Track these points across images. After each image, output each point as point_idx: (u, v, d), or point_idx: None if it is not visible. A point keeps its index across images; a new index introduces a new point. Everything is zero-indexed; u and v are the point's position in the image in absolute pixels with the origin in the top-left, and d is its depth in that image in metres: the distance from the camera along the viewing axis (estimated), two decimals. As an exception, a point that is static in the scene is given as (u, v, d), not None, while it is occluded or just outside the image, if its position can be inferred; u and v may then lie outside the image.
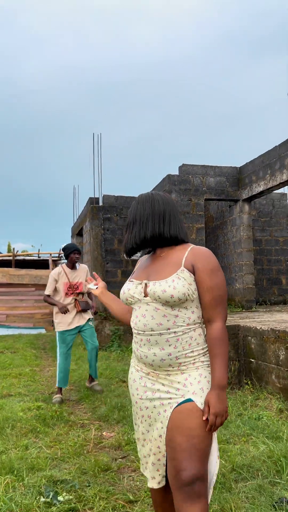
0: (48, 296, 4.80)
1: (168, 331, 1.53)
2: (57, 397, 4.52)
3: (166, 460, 1.54)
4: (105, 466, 2.74)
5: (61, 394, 4.61)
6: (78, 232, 11.38)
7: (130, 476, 2.65)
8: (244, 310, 7.84)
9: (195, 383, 1.53)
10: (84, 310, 4.79)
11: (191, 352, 1.55)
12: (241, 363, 4.89)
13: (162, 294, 1.51)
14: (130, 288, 1.62)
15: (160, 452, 1.58)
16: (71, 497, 2.35)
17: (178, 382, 1.54)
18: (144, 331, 1.57)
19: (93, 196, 9.40)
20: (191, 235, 8.09)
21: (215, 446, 1.53)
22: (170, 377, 1.55)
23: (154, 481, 1.63)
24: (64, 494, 2.38)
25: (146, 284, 1.58)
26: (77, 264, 4.98)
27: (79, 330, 4.79)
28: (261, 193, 7.61)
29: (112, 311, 1.84)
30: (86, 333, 4.83)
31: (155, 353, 1.55)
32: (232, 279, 8.64)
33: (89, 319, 4.88)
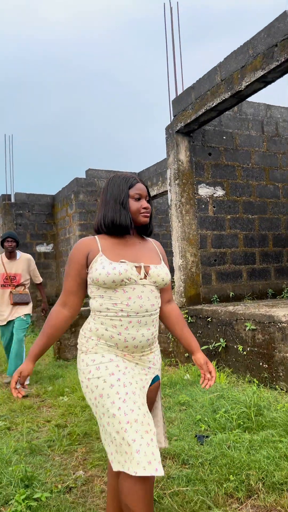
0: None
1: (155, 311, 1.62)
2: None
3: None
4: (29, 406, 3.82)
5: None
6: (-11, 226, 11.82)
7: (47, 410, 3.77)
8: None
9: (158, 361, 1.67)
10: (19, 304, 4.39)
11: (157, 331, 1.67)
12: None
13: (166, 276, 1.63)
14: (127, 269, 1.54)
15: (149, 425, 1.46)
16: (6, 423, 3.40)
17: (149, 361, 1.62)
18: (138, 313, 1.55)
19: (5, 193, 10.02)
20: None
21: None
22: (143, 357, 1.60)
23: (156, 462, 1.35)
24: (1, 422, 3.42)
25: (145, 267, 1.60)
26: (18, 254, 4.53)
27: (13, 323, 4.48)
28: (155, 196, 9.04)
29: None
30: (15, 325, 4.42)
31: (143, 334, 1.57)
32: (132, 268, 10.03)
33: (25, 314, 4.43)
